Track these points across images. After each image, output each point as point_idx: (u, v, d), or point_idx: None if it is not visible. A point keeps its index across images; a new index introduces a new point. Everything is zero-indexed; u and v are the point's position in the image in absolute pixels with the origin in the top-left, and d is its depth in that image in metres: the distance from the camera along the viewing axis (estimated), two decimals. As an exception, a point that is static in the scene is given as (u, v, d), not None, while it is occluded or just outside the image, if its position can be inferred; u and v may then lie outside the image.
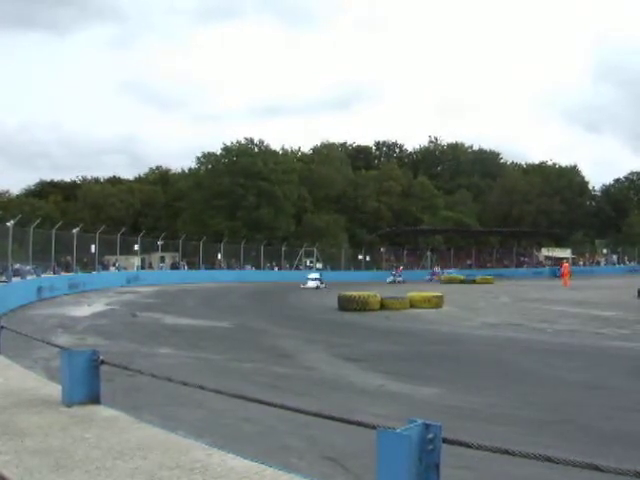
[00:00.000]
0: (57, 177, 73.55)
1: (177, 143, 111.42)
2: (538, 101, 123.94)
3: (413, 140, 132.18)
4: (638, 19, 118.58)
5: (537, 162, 78.58)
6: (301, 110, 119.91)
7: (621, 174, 77.66)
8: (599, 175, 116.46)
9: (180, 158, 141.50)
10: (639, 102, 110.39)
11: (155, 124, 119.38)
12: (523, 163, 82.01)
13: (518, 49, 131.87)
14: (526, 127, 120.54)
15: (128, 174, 74.82)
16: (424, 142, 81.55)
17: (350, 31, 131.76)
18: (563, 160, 77.77)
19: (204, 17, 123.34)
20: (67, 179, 73.18)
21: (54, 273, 31.25)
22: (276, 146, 66.25)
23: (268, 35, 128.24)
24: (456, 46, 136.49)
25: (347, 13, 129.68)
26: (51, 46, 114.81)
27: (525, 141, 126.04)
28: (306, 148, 73.41)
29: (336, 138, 77.93)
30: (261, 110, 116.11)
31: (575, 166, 76.15)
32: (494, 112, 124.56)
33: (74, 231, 34.50)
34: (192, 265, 48.77)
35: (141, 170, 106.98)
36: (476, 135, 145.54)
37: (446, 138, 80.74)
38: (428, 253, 61.67)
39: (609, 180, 78.08)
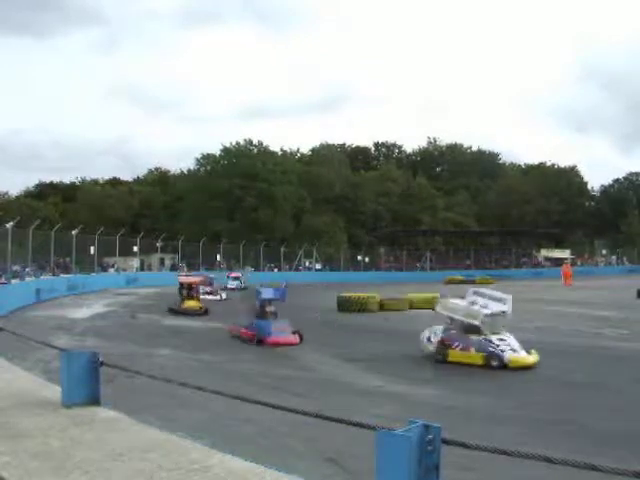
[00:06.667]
0: (50, 180, 73.33)
1: (169, 145, 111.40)
2: (532, 103, 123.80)
3: (412, 141, 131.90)
4: (627, 20, 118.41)
5: (536, 163, 78.64)
6: (297, 112, 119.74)
7: (612, 175, 77.42)
8: (592, 176, 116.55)
9: (173, 159, 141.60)
10: (627, 102, 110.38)
11: (145, 126, 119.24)
12: (522, 164, 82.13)
13: (512, 50, 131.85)
14: (517, 129, 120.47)
15: (121, 176, 74.46)
16: (423, 143, 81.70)
17: (345, 32, 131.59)
18: (556, 161, 77.34)
19: (188, 20, 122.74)
20: (66, 181, 73.16)
21: (53, 274, 31.24)
22: (275, 147, 66.38)
23: (255, 37, 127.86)
24: (454, 48, 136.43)
25: (341, 14, 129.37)
26: (37, 51, 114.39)
27: (519, 142, 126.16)
28: (305, 149, 73.52)
29: (335, 139, 78.10)
30: (253, 112, 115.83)
31: (574, 167, 76.22)
32: (489, 113, 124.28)
33: (73, 233, 34.45)
34: (192, 266, 48.72)
35: (134, 172, 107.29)
36: (468, 135, 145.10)
37: (445, 139, 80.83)
38: (427, 254, 61.70)
39: (602, 180, 78.13)
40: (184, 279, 24.55)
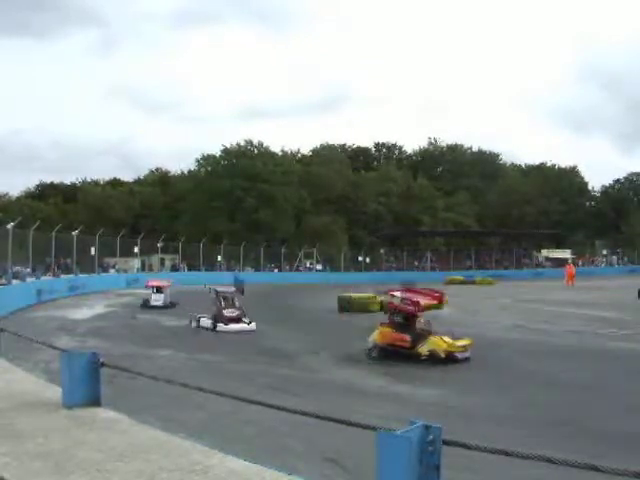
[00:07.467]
0: (50, 180, 73.36)
1: (169, 145, 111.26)
2: (532, 103, 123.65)
3: (412, 141, 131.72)
4: (627, 20, 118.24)
5: (536, 163, 78.57)
6: (297, 112, 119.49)
7: (613, 175, 77.15)
8: (593, 176, 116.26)
9: (173, 159, 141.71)
10: (627, 103, 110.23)
11: (145, 126, 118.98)
12: (522, 164, 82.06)
13: (512, 50, 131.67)
14: (517, 129, 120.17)
15: (121, 176, 74.37)
16: (423, 143, 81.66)
17: (345, 32, 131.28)
18: (556, 161, 77.29)
19: (187, 21, 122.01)
20: (67, 181, 73.16)
21: (54, 275, 31.25)
22: (275, 148, 66.39)
23: (255, 37, 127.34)
24: (454, 48, 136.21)
25: (341, 14, 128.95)
26: (37, 51, 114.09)
27: (519, 143, 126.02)
28: (305, 150, 73.52)
29: (335, 139, 78.00)
30: (253, 112, 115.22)
31: (575, 167, 76.18)
32: (489, 113, 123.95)
33: (74, 233, 34.46)
34: (192, 267, 48.74)
35: (135, 172, 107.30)
36: (468, 135, 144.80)
37: (445, 139, 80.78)
38: (428, 254, 61.70)
39: (602, 181, 77.96)
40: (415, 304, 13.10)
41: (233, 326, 17.48)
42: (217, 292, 18.98)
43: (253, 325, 17.81)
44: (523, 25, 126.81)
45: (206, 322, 18.10)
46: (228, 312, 18.09)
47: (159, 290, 24.84)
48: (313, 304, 27.30)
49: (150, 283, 25.95)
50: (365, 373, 11.39)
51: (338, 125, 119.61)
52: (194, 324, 18.28)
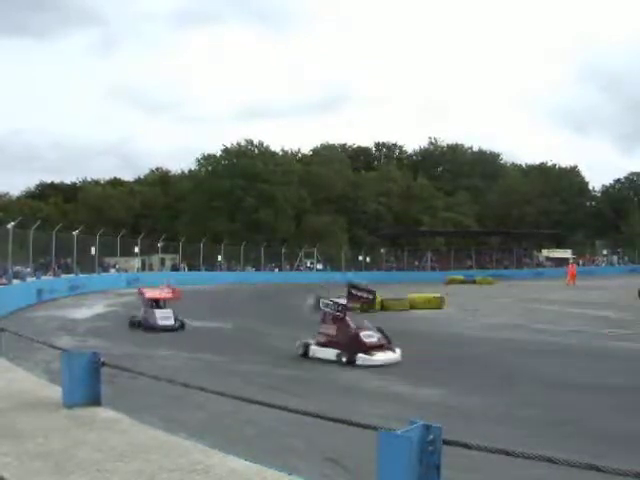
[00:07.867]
0: (51, 180, 73.44)
1: (170, 145, 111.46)
2: (532, 103, 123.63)
3: (413, 141, 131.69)
4: (627, 20, 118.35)
5: (537, 163, 78.55)
6: (297, 112, 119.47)
7: (613, 175, 77.40)
8: (593, 176, 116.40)
9: (173, 159, 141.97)
10: (627, 103, 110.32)
11: (145, 126, 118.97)
12: (523, 164, 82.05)
13: (512, 50, 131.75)
14: (518, 129, 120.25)
15: (121, 176, 74.39)
16: (424, 143, 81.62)
17: (345, 32, 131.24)
18: (557, 161, 77.47)
19: (187, 21, 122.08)
20: (67, 181, 73.18)
21: (54, 275, 31.25)
22: (275, 147, 66.39)
23: (255, 37, 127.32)
24: (454, 48, 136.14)
25: (341, 14, 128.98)
26: (37, 51, 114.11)
27: (519, 143, 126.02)
28: (305, 149, 73.52)
29: (335, 139, 78.04)
30: (253, 112, 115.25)
31: (575, 167, 76.23)
32: (489, 113, 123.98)
33: (74, 233, 34.49)
34: (192, 267, 48.76)
35: (135, 172, 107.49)
36: (468, 135, 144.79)
37: (446, 139, 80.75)
38: (428, 254, 61.68)
39: (602, 180, 78.23)
40: None
41: (380, 357, 12.04)
42: (338, 305, 13.12)
43: (399, 353, 12.30)
44: (523, 25, 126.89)
45: (325, 352, 12.58)
46: (366, 336, 12.42)
47: (158, 304, 18.21)
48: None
49: (147, 294, 18.27)
50: (365, 373, 11.38)
51: (338, 125, 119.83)
52: (300, 351, 13.12)
